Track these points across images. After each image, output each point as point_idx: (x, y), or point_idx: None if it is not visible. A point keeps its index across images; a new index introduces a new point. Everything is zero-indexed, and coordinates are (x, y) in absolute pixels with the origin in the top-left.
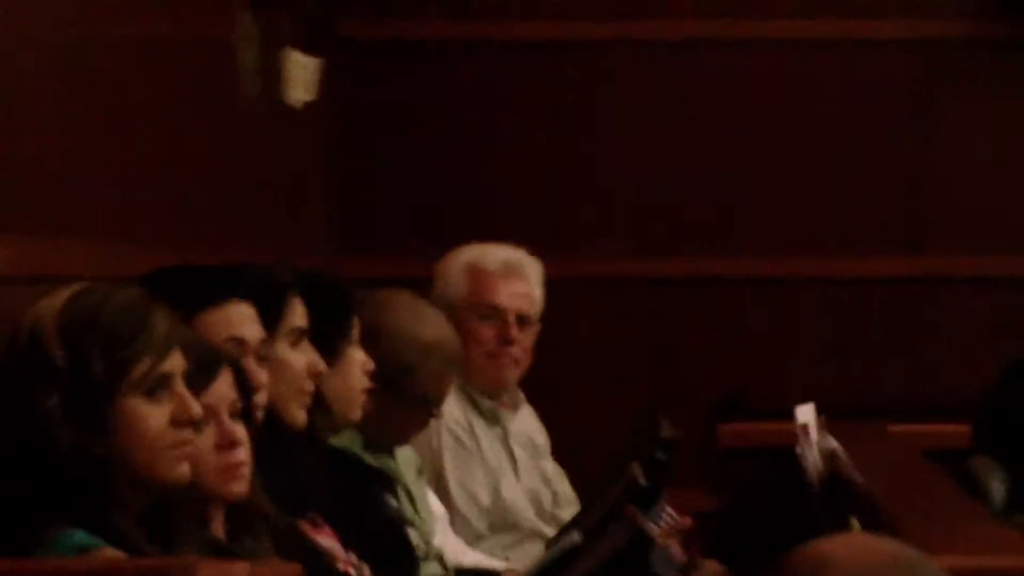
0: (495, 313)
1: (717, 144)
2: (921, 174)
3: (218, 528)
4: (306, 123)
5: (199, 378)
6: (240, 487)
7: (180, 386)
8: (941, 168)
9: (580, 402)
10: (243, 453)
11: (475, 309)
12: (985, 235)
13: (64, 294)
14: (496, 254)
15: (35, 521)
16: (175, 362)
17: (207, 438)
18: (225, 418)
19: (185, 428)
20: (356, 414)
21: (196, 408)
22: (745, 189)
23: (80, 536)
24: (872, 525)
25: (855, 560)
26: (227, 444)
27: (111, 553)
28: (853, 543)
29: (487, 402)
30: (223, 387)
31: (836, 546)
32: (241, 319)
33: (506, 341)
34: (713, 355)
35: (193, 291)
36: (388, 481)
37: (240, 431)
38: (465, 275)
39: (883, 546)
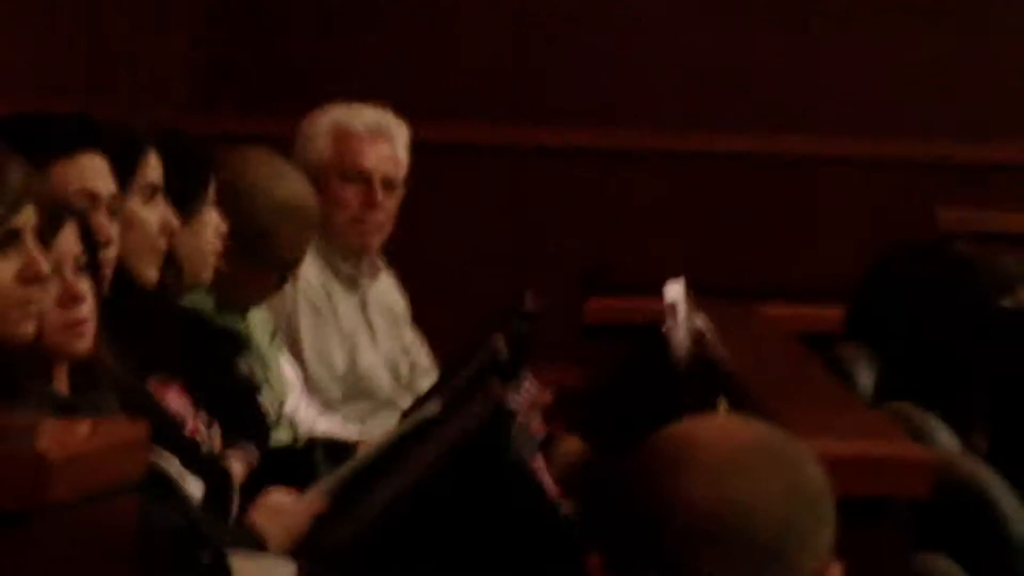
0: (360, 176)
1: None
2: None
3: (62, 386)
4: None
5: (45, 232)
6: (83, 344)
7: (30, 242)
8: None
9: (442, 271)
10: (86, 309)
11: (340, 171)
12: (862, 116)
13: None
14: (363, 115)
15: None
16: (26, 217)
17: (50, 293)
18: (69, 273)
19: (32, 285)
20: (207, 275)
21: (44, 265)
22: (628, 58)
23: None
24: (739, 408)
25: (719, 444)
26: (69, 299)
27: None
28: (718, 426)
29: (346, 267)
30: (68, 241)
31: (700, 429)
32: (94, 172)
33: (371, 205)
34: (582, 228)
35: (45, 140)
36: (239, 344)
37: (83, 286)
38: (330, 136)
39: (749, 429)
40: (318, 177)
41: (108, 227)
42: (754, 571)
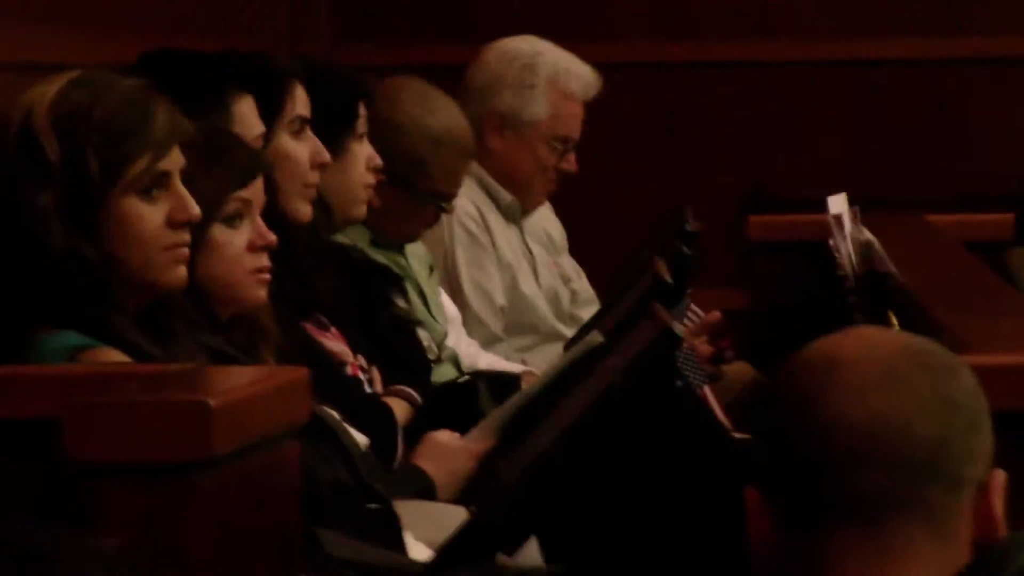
0: (567, 142)
1: None
2: None
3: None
4: None
5: (241, 172)
6: (262, 293)
7: (178, 185)
8: None
9: (598, 195)
10: (269, 259)
11: (550, 135)
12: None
13: (59, 81)
14: (582, 76)
15: (29, 323)
16: (174, 159)
17: (241, 235)
18: (259, 219)
19: (182, 229)
20: (358, 212)
21: (194, 208)
22: None
23: (71, 337)
24: (909, 321)
25: (864, 360)
26: (262, 244)
27: (109, 353)
28: (866, 340)
29: (508, 196)
30: (259, 189)
31: (843, 345)
32: (240, 115)
33: (568, 169)
34: (738, 144)
35: (192, 86)
36: (397, 279)
37: (271, 234)
38: (550, 95)
39: (893, 340)
40: (524, 132)
41: None
42: (913, 484)
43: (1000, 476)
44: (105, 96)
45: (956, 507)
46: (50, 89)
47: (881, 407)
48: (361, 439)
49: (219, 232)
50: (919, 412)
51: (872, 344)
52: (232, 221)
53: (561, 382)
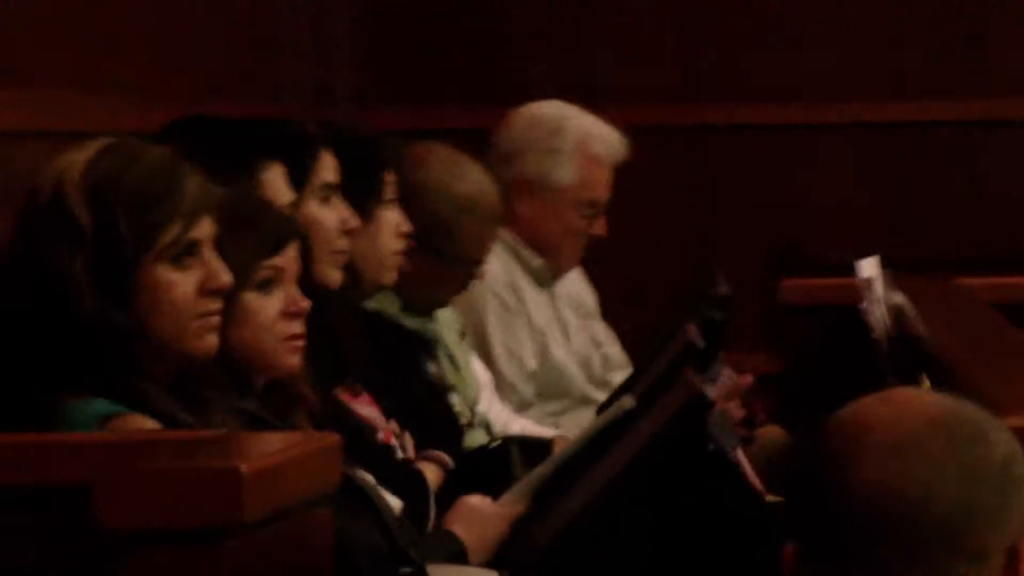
0: (595, 206)
1: None
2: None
3: (258, 400)
4: None
5: (273, 239)
6: (296, 359)
7: (209, 252)
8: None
9: (630, 260)
10: (302, 325)
11: (578, 200)
12: None
13: (90, 149)
14: (608, 140)
15: (57, 391)
16: (205, 228)
17: (274, 303)
18: (290, 286)
19: (213, 297)
20: (388, 278)
21: (226, 276)
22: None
23: (100, 404)
24: (943, 383)
25: (892, 426)
26: (294, 311)
27: (139, 420)
28: (892, 405)
29: (537, 261)
30: (293, 256)
31: (873, 409)
32: (270, 183)
33: (597, 232)
34: (770, 207)
35: (221, 154)
36: (428, 345)
37: (305, 301)
38: (577, 160)
39: (923, 405)
40: (552, 198)
41: None
42: (931, 553)
43: None
44: (136, 164)
45: (981, 573)
46: (80, 157)
47: (899, 477)
48: (395, 503)
49: (251, 299)
50: (939, 483)
51: (901, 411)
52: (265, 288)
53: (593, 446)
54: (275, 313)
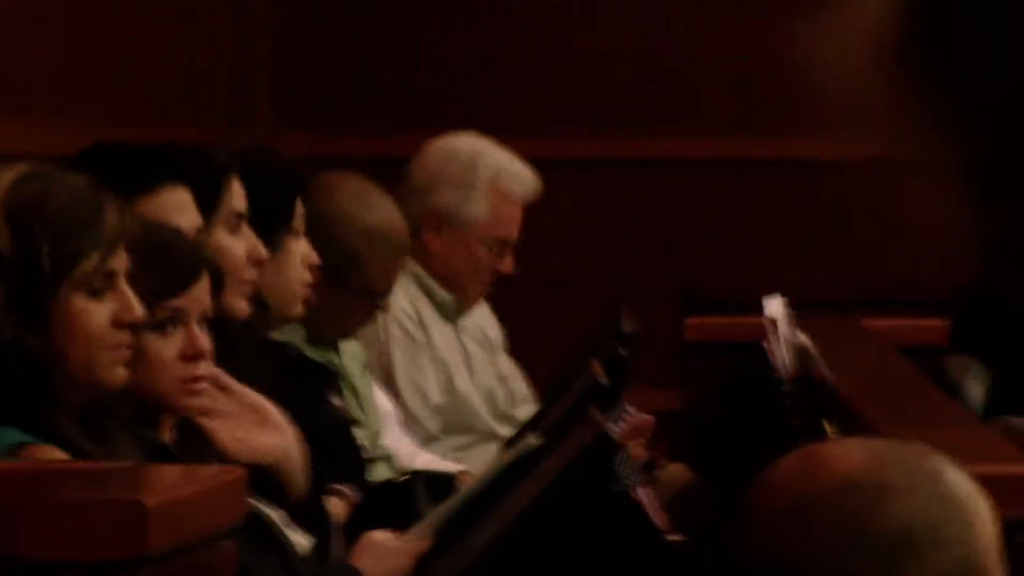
0: (505, 244)
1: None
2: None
3: (165, 434)
4: None
5: (177, 279)
6: (197, 402)
7: (123, 285)
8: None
9: (534, 295)
10: (206, 367)
11: (489, 237)
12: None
13: (7, 176)
14: (522, 178)
15: None
16: (121, 259)
17: (173, 343)
18: (195, 326)
19: (125, 329)
20: (295, 310)
21: (138, 310)
22: (705, 65)
23: (12, 434)
24: (846, 427)
25: (787, 494)
26: (192, 355)
27: (48, 451)
28: (805, 464)
29: (444, 294)
30: (199, 292)
31: (784, 470)
32: (176, 206)
33: (504, 271)
34: (675, 244)
35: (125, 175)
36: (332, 377)
37: (207, 342)
38: (489, 196)
39: (839, 467)
40: (462, 233)
41: None
42: None
43: None
44: (57, 192)
45: None
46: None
47: (779, 549)
48: (303, 541)
49: (149, 340)
50: (817, 558)
51: (802, 474)
52: (161, 329)
53: (498, 483)
54: (172, 355)
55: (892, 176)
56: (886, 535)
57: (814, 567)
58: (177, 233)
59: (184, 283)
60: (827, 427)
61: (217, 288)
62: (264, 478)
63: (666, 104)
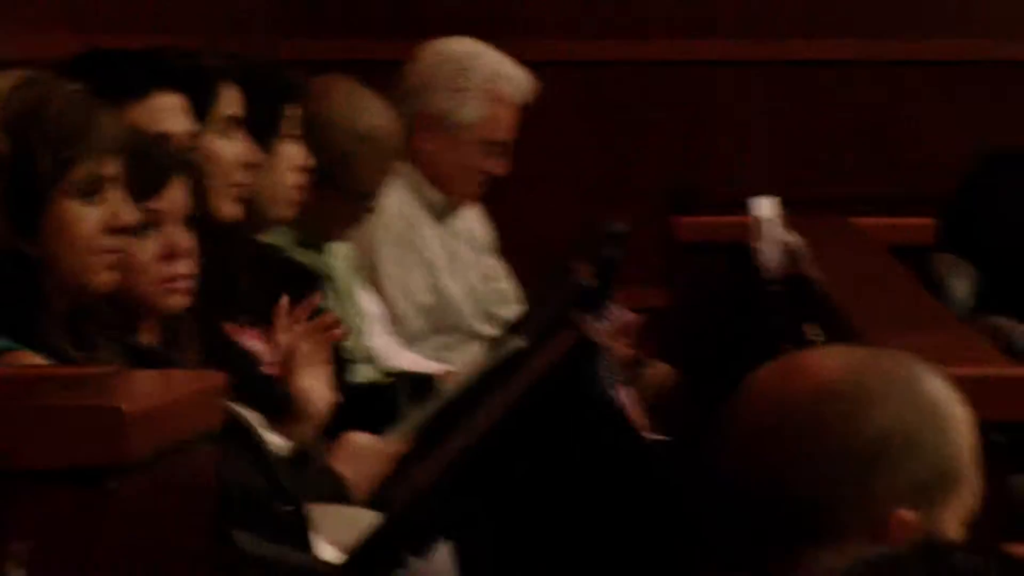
0: (499, 147)
1: None
2: None
3: (151, 339)
4: None
5: (151, 182)
6: (178, 300)
7: (115, 190)
8: None
9: (524, 195)
10: (186, 265)
11: (484, 138)
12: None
13: (4, 83)
14: (517, 80)
15: None
16: (114, 165)
17: (150, 246)
18: (171, 227)
19: (117, 234)
20: (286, 213)
21: (130, 214)
22: None
23: None
24: (831, 328)
25: (770, 405)
26: (169, 254)
27: (30, 357)
28: (784, 375)
29: (436, 195)
30: (176, 194)
31: (762, 384)
32: (166, 112)
33: (501, 171)
34: (667, 144)
35: (117, 81)
36: (319, 280)
37: (186, 241)
38: (483, 98)
39: (816, 376)
40: (458, 133)
41: None
42: (787, 535)
43: (908, 515)
44: (53, 99)
45: (843, 550)
46: None
47: (752, 462)
48: (281, 442)
49: (127, 243)
50: (791, 468)
51: (781, 386)
52: (141, 231)
53: (481, 386)
54: (150, 256)
55: (887, 79)
56: (862, 442)
57: (792, 475)
58: (152, 138)
59: (156, 186)
60: (810, 329)
61: (199, 191)
62: (242, 375)
63: (661, 3)
